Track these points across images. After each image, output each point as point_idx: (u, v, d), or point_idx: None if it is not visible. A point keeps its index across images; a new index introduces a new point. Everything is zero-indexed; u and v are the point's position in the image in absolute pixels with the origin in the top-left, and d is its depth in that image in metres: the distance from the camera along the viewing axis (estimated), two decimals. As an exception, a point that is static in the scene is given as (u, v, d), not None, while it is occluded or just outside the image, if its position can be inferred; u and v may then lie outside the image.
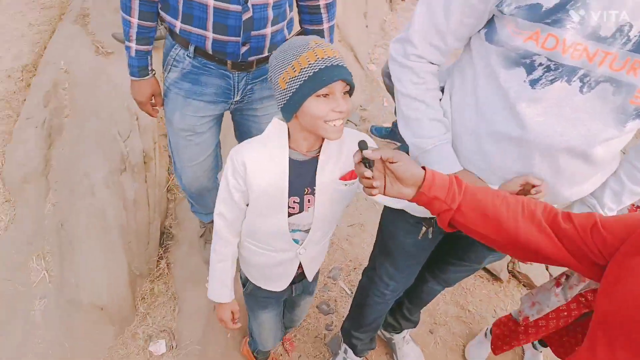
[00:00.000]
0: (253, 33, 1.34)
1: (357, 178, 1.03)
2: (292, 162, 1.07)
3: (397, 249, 1.49)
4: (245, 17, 1.29)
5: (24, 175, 2.30)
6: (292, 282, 1.35)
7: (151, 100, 1.56)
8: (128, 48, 1.42)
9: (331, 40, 1.60)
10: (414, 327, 2.06)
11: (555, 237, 0.90)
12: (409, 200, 1.00)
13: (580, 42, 0.89)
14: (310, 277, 1.35)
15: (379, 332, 2.19)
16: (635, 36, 0.88)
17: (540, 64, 0.94)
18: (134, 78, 1.48)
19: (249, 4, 1.28)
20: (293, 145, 1.06)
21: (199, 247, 2.22)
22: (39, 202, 2.26)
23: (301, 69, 0.95)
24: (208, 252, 2.13)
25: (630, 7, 0.86)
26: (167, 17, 1.37)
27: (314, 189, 1.10)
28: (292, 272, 1.28)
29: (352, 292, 2.28)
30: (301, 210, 1.13)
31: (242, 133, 1.74)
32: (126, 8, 1.35)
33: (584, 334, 1.49)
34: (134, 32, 1.38)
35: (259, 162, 1.06)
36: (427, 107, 1.11)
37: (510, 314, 1.96)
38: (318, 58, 0.94)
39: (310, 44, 0.97)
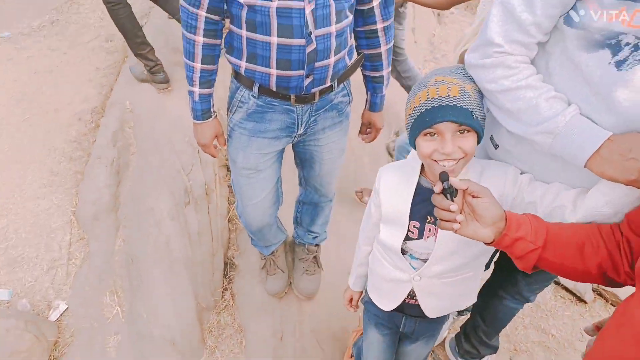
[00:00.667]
0: (316, 64, 1.32)
1: None
2: (420, 187, 1.12)
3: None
4: (309, 49, 1.28)
5: (95, 213, 2.41)
6: (404, 313, 1.33)
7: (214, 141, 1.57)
8: (191, 93, 1.43)
9: (389, 63, 1.56)
10: (494, 352, 1.92)
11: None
12: (486, 244, 0.95)
13: None
14: (428, 312, 1.28)
15: (454, 361, 2.07)
16: None
17: (628, 44, 0.86)
18: (197, 122, 1.49)
19: (313, 36, 1.27)
20: (426, 173, 1.11)
21: (261, 279, 2.20)
22: (110, 238, 2.35)
23: (414, 107, 0.99)
24: (270, 284, 2.14)
25: None
26: (232, 59, 1.38)
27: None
28: (402, 296, 1.26)
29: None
30: (420, 237, 1.14)
31: (304, 161, 1.72)
32: (189, 54, 1.37)
33: None
34: (197, 76, 1.40)
35: (392, 182, 1.16)
36: (535, 89, 0.97)
37: None
38: (429, 97, 0.96)
39: (429, 81, 0.99)
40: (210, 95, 1.46)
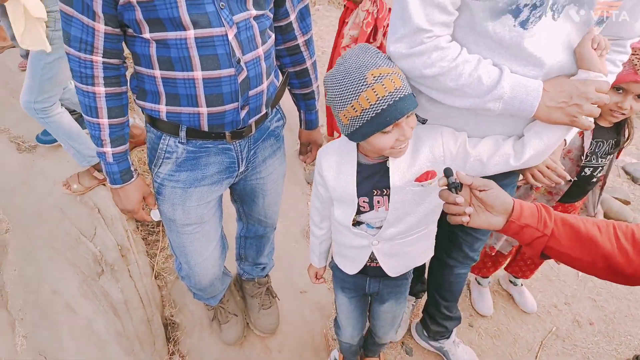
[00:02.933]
0: (250, 93, 1.18)
1: (434, 178, 1.10)
2: (360, 165, 1.15)
3: None
4: (240, 78, 1.13)
5: (-22, 318, 1.92)
6: (367, 274, 1.37)
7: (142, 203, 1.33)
8: (102, 155, 1.18)
9: (316, 76, 1.48)
10: (459, 322, 2.01)
11: None
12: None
13: None
14: (389, 272, 1.32)
15: (427, 345, 2.10)
16: None
17: (526, 5, 0.98)
18: (116, 186, 1.24)
19: (242, 63, 1.12)
20: (362, 151, 1.14)
21: (213, 330, 1.98)
22: (7, 339, 1.90)
23: (362, 110, 0.96)
24: (226, 333, 1.93)
25: None
26: (148, 105, 1.16)
27: (384, 191, 1.14)
28: (364, 260, 1.30)
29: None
30: (371, 209, 1.18)
31: (244, 196, 1.55)
32: (90, 110, 1.11)
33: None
34: (105, 134, 1.15)
35: (332, 163, 1.17)
36: (470, 63, 1.04)
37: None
38: (379, 97, 0.94)
39: (367, 79, 0.95)
40: (126, 152, 1.23)
